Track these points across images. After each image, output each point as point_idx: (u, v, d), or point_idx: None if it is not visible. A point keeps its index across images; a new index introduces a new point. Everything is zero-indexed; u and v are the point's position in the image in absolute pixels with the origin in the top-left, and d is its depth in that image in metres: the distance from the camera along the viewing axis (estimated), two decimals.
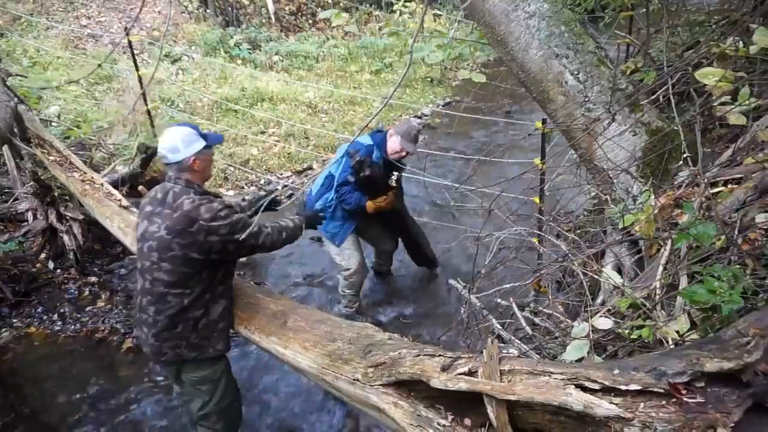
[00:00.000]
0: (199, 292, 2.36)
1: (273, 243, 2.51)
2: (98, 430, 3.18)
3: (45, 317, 4.11)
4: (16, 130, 4.23)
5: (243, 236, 2.29)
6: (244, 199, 2.81)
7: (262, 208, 2.56)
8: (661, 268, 2.03)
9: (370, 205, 3.58)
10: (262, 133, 7.29)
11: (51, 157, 4.32)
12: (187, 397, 2.67)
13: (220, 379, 2.57)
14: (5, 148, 4.39)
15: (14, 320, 4.05)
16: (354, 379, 1.88)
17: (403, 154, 3.55)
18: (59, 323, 4.06)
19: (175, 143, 2.30)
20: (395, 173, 3.75)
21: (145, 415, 3.27)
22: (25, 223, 4.68)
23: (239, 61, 9.55)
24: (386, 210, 3.69)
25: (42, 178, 4.24)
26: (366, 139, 3.61)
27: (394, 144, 3.53)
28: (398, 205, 3.86)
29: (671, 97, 2.43)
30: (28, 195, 4.48)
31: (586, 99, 2.56)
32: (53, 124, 6.01)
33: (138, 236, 2.42)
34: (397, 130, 3.54)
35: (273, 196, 2.92)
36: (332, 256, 3.82)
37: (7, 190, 5.07)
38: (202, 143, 2.35)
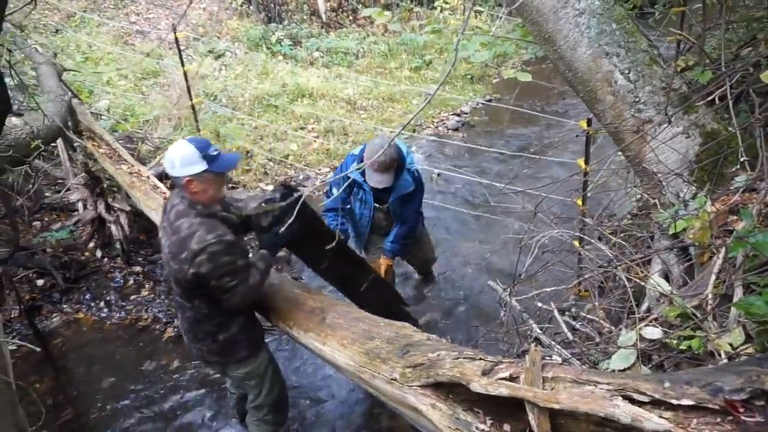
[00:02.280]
0: (208, 312, 2.31)
1: (245, 296, 2.27)
2: (140, 414, 3.29)
3: (92, 304, 4.27)
4: (69, 123, 4.40)
5: (229, 281, 2.16)
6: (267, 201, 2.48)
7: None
8: (713, 277, 1.94)
9: None
10: (302, 128, 7.37)
11: (101, 150, 4.48)
12: (240, 390, 2.73)
13: (266, 372, 2.60)
14: (59, 140, 4.58)
15: (64, 306, 4.23)
16: (391, 379, 1.87)
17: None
18: (105, 310, 4.21)
19: (173, 159, 2.11)
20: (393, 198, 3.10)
21: (184, 402, 3.37)
22: (76, 213, 4.89)
23: (280, 57, 9.68)
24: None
25: (92, 169, 4.41)
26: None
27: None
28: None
29: (729, 97, 2.33)
30: (79, 186, 4.66)
31: (637, 99, 2.47)
32: (103, 117, 6.24)
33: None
34: (367, 147, 2.92)
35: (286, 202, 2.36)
36: None
37: (59, 181, 5.30)
38: (201, 167, 2.11)
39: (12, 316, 4.05)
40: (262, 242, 2.42)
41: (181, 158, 2.10)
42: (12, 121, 3.49)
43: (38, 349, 2.98)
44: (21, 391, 2.12)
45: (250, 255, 2.41)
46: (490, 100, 8.99)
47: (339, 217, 3.26)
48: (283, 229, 2.26)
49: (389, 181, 2.89)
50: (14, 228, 3.32)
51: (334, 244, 2.58)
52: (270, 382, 2.62)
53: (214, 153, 2.15)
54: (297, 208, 2.08)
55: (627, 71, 2.45)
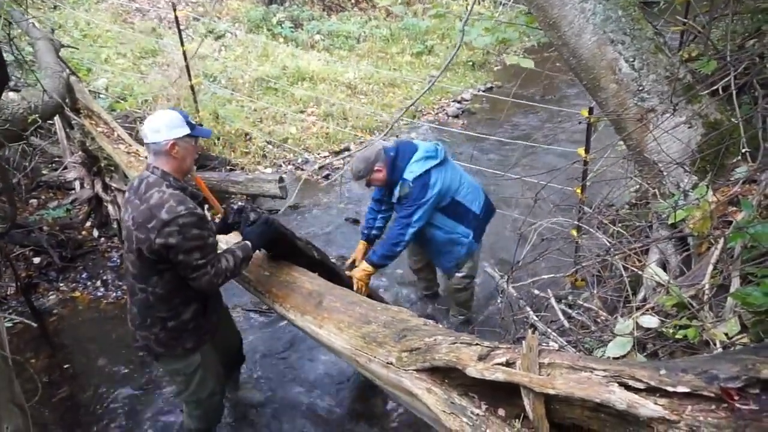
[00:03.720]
0: (164, 293, 2.25)
1: (216, 277, 2.22)
2: (134, 392, 3.30)
3: (89, 283, 4.27)
4: (67, 100, 4.36)
5: (198, 258, 2.12)
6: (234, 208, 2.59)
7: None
8: (711, 267, 1.95)
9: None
10: (302, 112, 7.32)
11: (99, 129, 4.45)
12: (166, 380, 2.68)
13: (194, 373, 2.50)
14: (57, 117, 4.54)
15: (60, 284, 4.23)
16: (387, 363, 1.87)
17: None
18: (102, 289, 4.21)
19: (158, 125, 2.17)
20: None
21: None
22: (73, 192, 4.87)
23: (281, 39, 9.58)
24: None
25: (90, 148, 4.38)
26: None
27: None
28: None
29: (733, 88, 2.31)
30: (76, 164, 4.64)
31: (641, 88, 2.45)
32: (101, 96, 6.18)
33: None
34: None
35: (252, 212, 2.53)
36: None
37: (56, 159, 5.26)
38: (185, 130, 2.22)
39: (8, 292, 4.05)
40: (247, 233, 2.45)
41: (167, 122, 2.19)
42: (9, 96, 3.45)
43: (35, 325, 2.98)
44: (18, 367, 2.11)
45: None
46: (491, 88, 8.94)
47: (377, 212, 3.43)
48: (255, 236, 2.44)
49: (361, 187, 3.12)
50: (12, 204, 3.29)
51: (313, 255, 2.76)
52: (197, 384, 2.53)
53: (193, 122, 2.30)
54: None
55: (632, 59, 2.43)
